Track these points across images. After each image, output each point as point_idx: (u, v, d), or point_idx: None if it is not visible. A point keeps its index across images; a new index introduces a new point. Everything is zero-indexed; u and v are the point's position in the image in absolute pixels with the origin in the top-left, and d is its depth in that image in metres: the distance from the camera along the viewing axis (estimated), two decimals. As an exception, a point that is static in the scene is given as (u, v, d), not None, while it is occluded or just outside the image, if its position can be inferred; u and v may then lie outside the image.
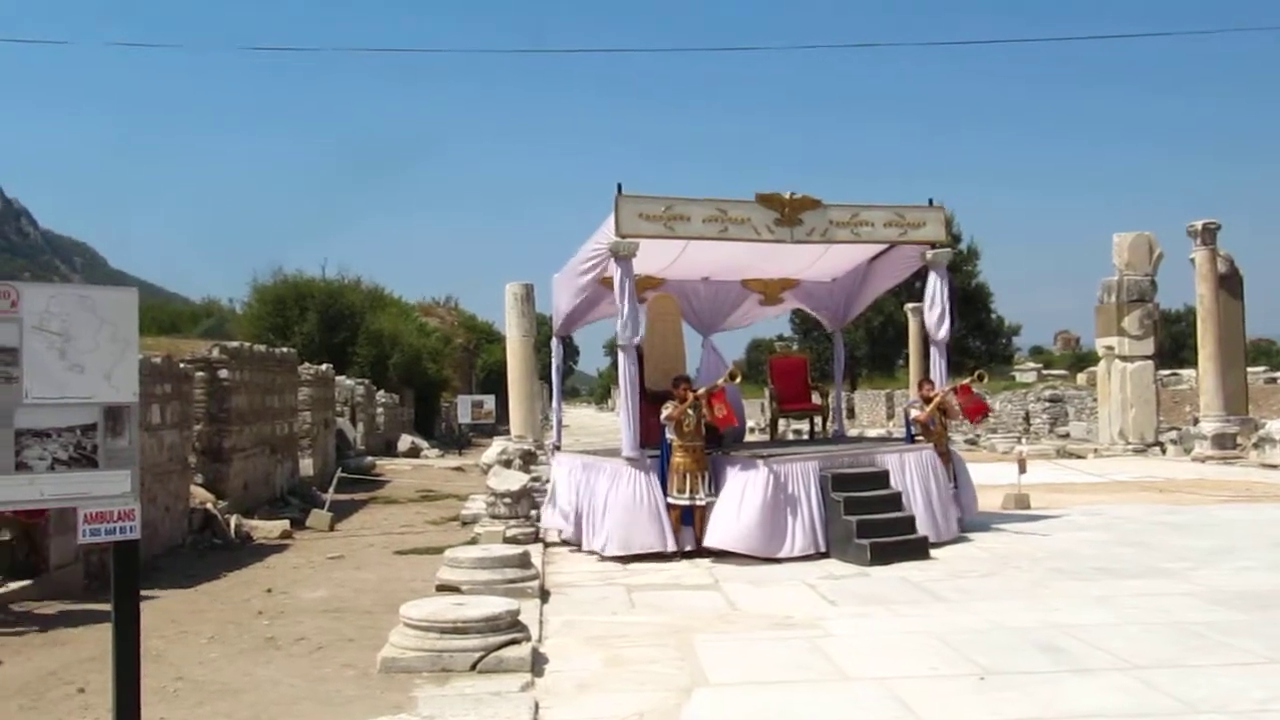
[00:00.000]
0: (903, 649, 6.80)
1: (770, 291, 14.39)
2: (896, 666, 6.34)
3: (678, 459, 10.57)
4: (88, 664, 6.69)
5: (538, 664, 6.37)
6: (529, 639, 6.56)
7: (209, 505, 13.04)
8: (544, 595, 8.63)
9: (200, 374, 14.07)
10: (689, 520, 10.71)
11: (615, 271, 10.86)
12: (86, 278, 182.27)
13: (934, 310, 12.28)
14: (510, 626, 6.41)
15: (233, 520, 13.02)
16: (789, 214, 11.19)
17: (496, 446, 14.96)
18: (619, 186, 10.68)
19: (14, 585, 8.69)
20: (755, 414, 32.90)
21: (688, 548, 10.69)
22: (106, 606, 4.74)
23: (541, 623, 7.60)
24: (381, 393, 31.83)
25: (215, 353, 14.68)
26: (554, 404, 16.08)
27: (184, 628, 7.84)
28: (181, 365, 12.76)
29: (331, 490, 16.22)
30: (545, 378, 31.95)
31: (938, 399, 12.17)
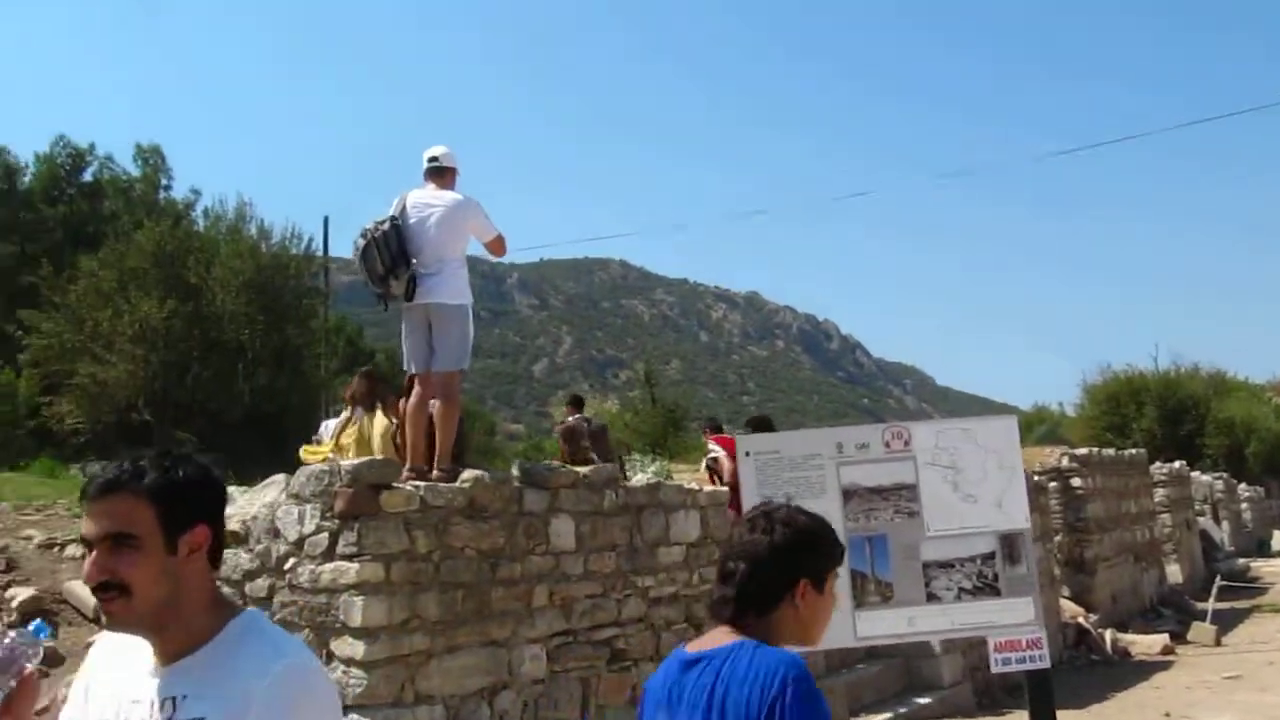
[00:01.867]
0: None
1: None
2: None
3: None
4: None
5: None
6: None
7: (1080, 619, 12.70)
8: None
9: (1053, 484, 13.95)
10: None
11: None
12: (918, 397, 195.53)
13: None
14: None
15: (1107, 635, 12.51)
16: None
17: None
18: None
19: (920, 700, 9.17)
20: None
21: None
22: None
23: None
24: (1243, 485, 28.94)
25: (1065, 461, 14.48)
26: None
27: (1087, 754, 7.57)
28: (1035, 477, 12.76)
29: (1211, 599, 14.86)
30: None
31: None
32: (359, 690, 4.97)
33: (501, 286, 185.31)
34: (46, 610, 5.51)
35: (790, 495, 4.94)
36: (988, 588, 4.95)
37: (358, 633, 5.01)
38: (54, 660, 5.22)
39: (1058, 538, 13.67)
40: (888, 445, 5.05)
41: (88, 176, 38.72)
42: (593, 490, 6.34)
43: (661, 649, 6.66)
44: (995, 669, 4.94)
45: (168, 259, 23.75)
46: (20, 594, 5.49)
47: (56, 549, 6.24)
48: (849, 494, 5.05)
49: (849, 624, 5.01)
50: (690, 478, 13.61)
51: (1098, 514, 14.56)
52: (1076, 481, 14.28)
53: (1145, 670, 11.25)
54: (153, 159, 39.07)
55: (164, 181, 38.97)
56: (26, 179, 37.30)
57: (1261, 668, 10.80)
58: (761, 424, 10.47)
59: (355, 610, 5.01)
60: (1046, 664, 4.95)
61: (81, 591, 5.69)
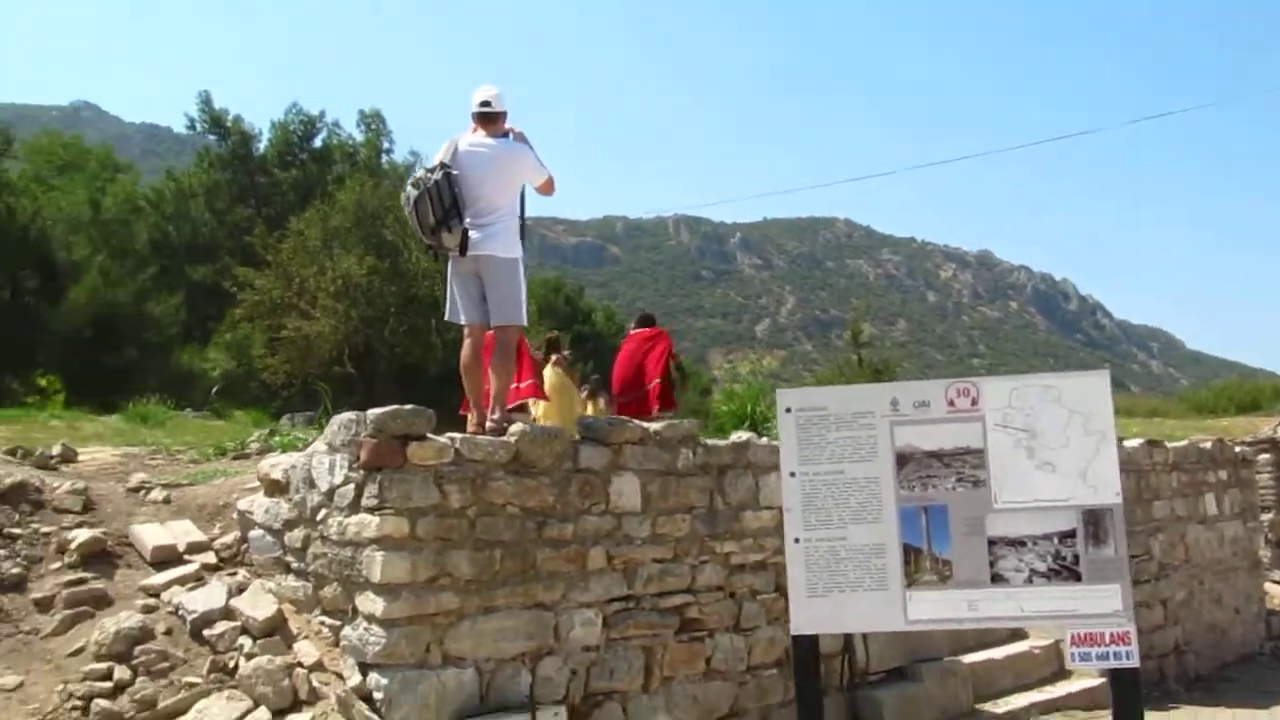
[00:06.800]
0: None
1: None
2: None
3: None
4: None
5: None
6: None
7: (1289, 607, 11.36)
8: None
9: (1265, 456, 12.50)
10: None
11: None
12: (1165, 362, 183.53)
13: None
14: None
15: (1328, 627, 11.13)
16: None
17: None
18: None
19: (1068, 689, 8.31)
20: None
21: None
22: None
23: None
24: None
25: (1279, 431, 12.97)
26: None
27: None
28: (1238, 449, 11.42)
29: None
30: None
31: None
32: (378, 649, 4.75)
33: (724, 246, 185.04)
34: (107, 552, 5.55)
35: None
36: (1066, 571, 4.29)
37: (378, 589, 4.78)
38: (102, 601, 5.25)
39: (1268, 516, 12.25)
40: (951, 404, 4.43)
41: (318, 142, 40.74)
42: (664, 448, 5.90)
43: (743, 619, 6.20)
44: (1070, 664, 4.27)
45: (368, 218, 24.59)
46: (80, 535, 5.54)
47: (142, 492, 6.33)
48: (904, 458, 4.47)
49: (899, 605, 4.45)
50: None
51: (1320, 491, 12.97)
52: (1294, 454, 12.75)
53: (1363, 669, 9.94)
54: (374, 123, 40.66)
55: (385, 145, 40.46)
56: (262, 146, 39.59)
57: None
58: (645, 320, 10.65)
59: (375, 565, 4.77)
60: (1134, 662, 4.25)
61: (146, 536, 5.71)
